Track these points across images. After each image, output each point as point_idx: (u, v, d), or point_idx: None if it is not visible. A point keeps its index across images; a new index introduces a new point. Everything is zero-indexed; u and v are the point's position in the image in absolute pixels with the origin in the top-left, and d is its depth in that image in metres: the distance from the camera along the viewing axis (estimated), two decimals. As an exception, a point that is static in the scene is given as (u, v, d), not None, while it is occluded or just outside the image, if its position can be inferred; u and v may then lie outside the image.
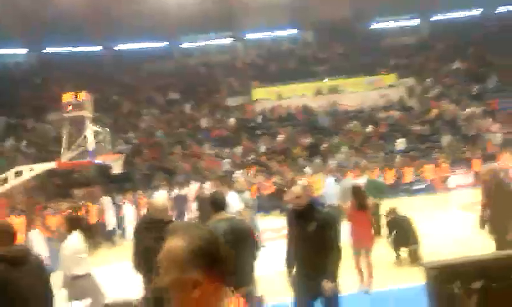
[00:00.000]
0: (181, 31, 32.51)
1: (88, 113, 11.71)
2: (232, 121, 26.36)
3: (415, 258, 8.12)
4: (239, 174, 20.79)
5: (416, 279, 5.08)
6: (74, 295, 4.81)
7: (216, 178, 16.82)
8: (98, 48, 33.20)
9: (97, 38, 32.00)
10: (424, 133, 23.38)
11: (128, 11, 29.65)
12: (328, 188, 10.92)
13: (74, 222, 5.13)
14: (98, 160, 11.80)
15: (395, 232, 8.40)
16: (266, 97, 28.06)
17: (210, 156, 23.85)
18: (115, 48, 33.23)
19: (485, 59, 28.17)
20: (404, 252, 8.50)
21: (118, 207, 15.29)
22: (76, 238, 4.94)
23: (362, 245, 6.99)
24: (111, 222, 14.22)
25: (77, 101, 11.27)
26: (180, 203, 14.56)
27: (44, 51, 32.41)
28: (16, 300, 3.05)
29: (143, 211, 16.32)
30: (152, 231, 4.07)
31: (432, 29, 32.69)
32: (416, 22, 33.92)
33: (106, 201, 14.14)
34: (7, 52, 31.95)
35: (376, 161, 20.24)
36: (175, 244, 1.52)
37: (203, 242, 1.52)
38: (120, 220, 15.02)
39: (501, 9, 31.90)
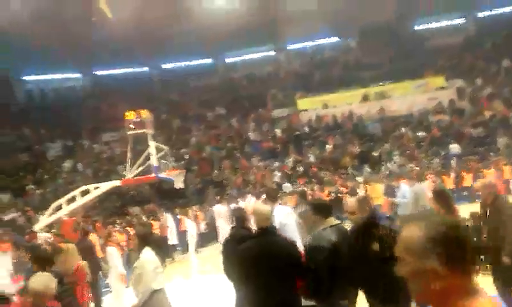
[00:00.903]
0: (224, 47, 33.12)
1: (149, 130, 12.20)
2: (279, 132, 26.55)
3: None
4: (287, 186, 20.96)
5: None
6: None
7: (267, 191, 17.04)
8: (146, 68, 34.32)
9: (144, 58, 33.11)
10: (478, 135, 22.71)
11: (171, 30, 30.53)
12: (402, 196, 10.29)
13: (146, 238, 5.28)
14: (162, 176, 12.23)
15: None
16: (312, 107, 28.07)
17: (260, 168, 24.08)
18: (162, 66, 34.24)
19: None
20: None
21: (178, 222, 15.68)
22: (151, 254, 5.10)
23: None
24: (173, 237, 14.58)
25: (139, 119, 11.75)
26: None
27: (95, 74, 33.74)
28: None
29: (202, 225, 16.72)
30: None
31: (479, 27, 31.78)
32: (461, 20, 33.07)
33: (167, 217, 14.55)
34: (60, 76, 33.53)
35: (430, 167, 19.82)
36: (411, 232, 1.44)
37: (444, 229, 1.41)
38: (180, 236, 15.40)
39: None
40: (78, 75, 34.18)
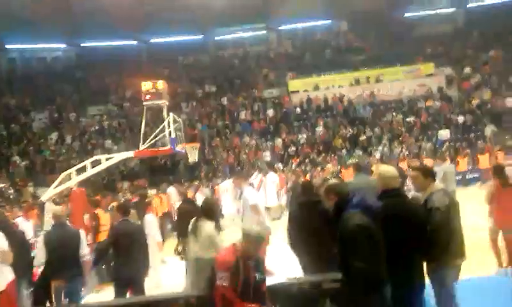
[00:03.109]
0: (215, 24, 32.67)
1: (165, 102, 12.01)
2: (270, 112, 26.56)
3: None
4: (279, 166, 21.07)
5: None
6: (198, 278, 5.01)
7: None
8: (134, 42, 33.63)
9: (132, 31, 32.38)
10: (465, 123, 23.20)
11: (161, 4, 29.91)
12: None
13: (211, 211, 5.39)
14: (178, 149, 12.10)
15: None
16: (302, 88, 28.13)
17: (251, 147, 24.10)
18: (150, 40, 33.60)
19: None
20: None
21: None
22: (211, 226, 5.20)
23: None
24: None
25: (155, 90, 11.54)
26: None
27: (81, 45, 32.90)
28: None
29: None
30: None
31: (468, 17, 32.22)
32: (451, 10, 33.42)
33: (171, 191, 14.38)
34: (45, 46, 32.60)
35: (421, 151, 20.22)
36: None
37: None
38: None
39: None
40: (64, 46, 33.25)
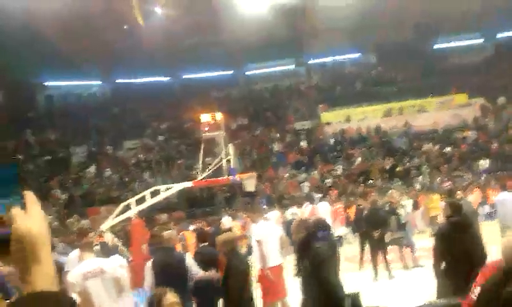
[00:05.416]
0: (245, 58, 33.36)
1: (222, 133, 12.30)
2: (304, 144, 26.71)
3: None
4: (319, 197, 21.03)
5: None
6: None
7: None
8: (166, 78, 34.49)
9: (166, 68, 33.25)
10: (506, 152, 22.98)
11: (194, 41, 30.73)
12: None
13: None
14: (235, 179, 12.27)
15: None
16: (335, 120, 28.31)
17: (287, 179, 24.16)
18: (182, 76, 34.41)
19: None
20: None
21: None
22: None
23: None
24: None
25: (214, 121, 11.84)
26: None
27: (116, 81, 33.84)
28: None
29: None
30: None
31: (498, 47, 32.31)
32: (479, 40, 33.61)
33: (226, 220, 14.53)
34: (82, 83, 33.61)
35: (463, 182, 20.02)
36: None
37: None
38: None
39: None
40: (99, 82, 34.25)
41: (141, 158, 27.23)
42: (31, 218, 0.85)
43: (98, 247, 9.40)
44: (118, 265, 6.17)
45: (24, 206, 0.87)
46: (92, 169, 26.40)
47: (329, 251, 4.29)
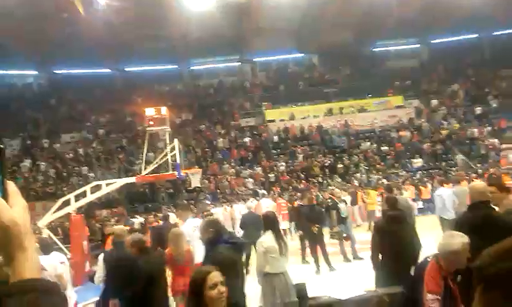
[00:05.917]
0: (190, 54, 33.01)
1: (167, 128, 12.08)
2: (248, 141, 26.93)
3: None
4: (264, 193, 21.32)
5: None
6: (265, 292, 5.31)
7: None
8: (107, 70, 33.41)
9: (107, 60, 32.21)
10: (437, 151, 24.37)
11: (137, 34, 29.99)
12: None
13: (269, 222, 5.52)
14: (182, 174, 12.12)
15: None
16: (279, 117, 28.76)
17: (231, 175, 24.27)
18: (125, 69, 33.49)
19: (484, 81, 29.62)
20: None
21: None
22: (269, 238, 5.34)
23: None
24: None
25: (159, 115, 11.60)
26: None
27: (54, 72, 32.39)
28: None
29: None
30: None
31: (432, 52, 34.07)
32: (415, 45, 35.24)
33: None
34: (17, 73, 31.89)
35: (399, 179, 21.04)
36: None
37: None
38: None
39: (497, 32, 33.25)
40: (35, 72, 32.64)
41: (80, 152, 26.29)
42: (14, 207, 0.88)
43: (37, 245, 9.09)
44: (58, 262, 6.00)
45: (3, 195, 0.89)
46: (27, 163, 25.19)
47: (233, 255, 4.17)
